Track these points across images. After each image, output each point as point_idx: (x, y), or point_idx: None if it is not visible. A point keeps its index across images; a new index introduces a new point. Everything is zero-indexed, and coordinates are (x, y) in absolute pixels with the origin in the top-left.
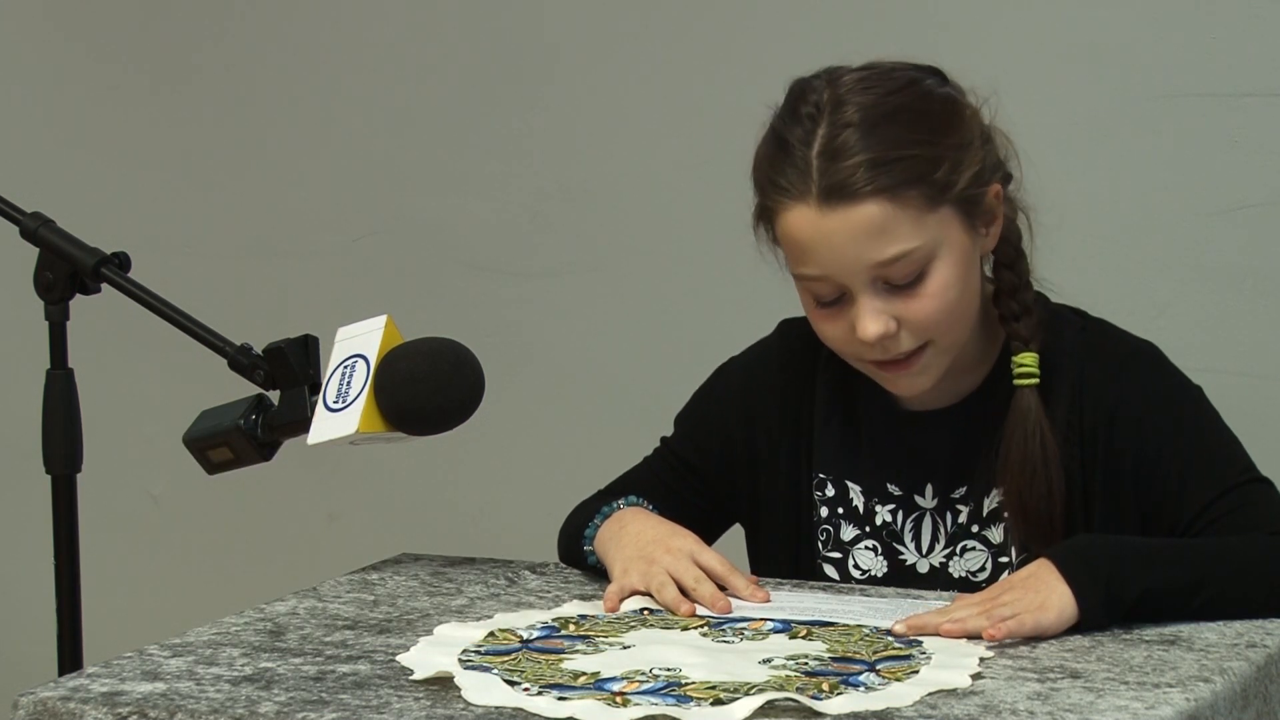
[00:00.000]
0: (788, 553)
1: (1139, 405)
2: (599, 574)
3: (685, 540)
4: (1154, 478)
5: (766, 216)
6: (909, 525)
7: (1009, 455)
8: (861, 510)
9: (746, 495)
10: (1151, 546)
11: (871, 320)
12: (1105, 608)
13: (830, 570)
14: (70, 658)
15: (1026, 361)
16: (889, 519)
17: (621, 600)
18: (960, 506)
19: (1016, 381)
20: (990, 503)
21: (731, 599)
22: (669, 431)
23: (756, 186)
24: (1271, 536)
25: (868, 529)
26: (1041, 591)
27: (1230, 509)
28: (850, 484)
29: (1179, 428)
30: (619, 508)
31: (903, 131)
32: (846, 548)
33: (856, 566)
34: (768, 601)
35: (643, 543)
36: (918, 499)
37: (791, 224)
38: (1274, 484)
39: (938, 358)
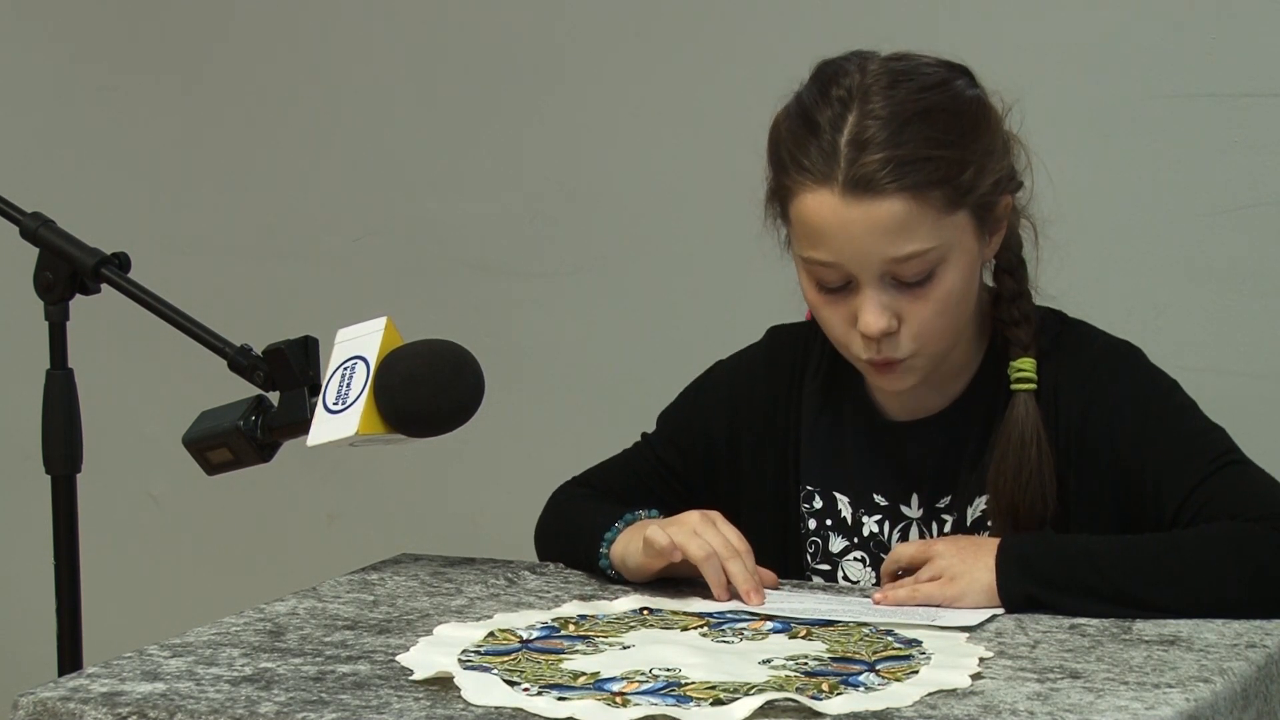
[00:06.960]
0: (775, 563)
1: (1109, 406)
2: (599, 574)
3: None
4: (1130, 479)
5: (782, 195)
6: (896, 535)
7: (1003, 461)
8: (850, 522)
9: (726, 499)
10: (1095, 562)
11: (875, 314)
12: (1020, 608)
13: (819, 582)
14: (70, 658)
15: (1024, 367)
16: (876, 530)
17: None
18: (945, 516)
19: (1014, 387)
20: (974, 512)
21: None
22: None
23: (774, 162)
24: (1234, 530)
25: (855, 540)
26: (962, 582)
27: (1207, 499)
28: (838, 495)
29: (1148, 426)
30: (640, 517)
31: (933, 131)
32: (835, 559)
33: (846, 578)
34: (763, 603)
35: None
36: (904, 509)
37: (810, 207)
38: (1251, 464)
39: (924, 362)
